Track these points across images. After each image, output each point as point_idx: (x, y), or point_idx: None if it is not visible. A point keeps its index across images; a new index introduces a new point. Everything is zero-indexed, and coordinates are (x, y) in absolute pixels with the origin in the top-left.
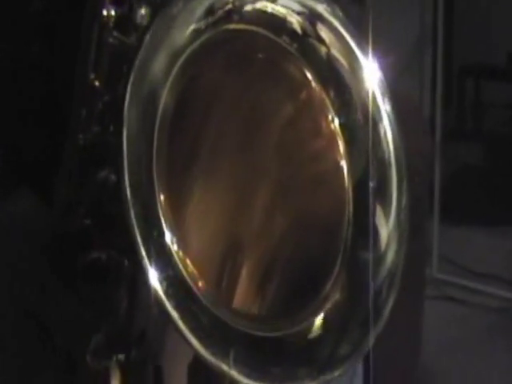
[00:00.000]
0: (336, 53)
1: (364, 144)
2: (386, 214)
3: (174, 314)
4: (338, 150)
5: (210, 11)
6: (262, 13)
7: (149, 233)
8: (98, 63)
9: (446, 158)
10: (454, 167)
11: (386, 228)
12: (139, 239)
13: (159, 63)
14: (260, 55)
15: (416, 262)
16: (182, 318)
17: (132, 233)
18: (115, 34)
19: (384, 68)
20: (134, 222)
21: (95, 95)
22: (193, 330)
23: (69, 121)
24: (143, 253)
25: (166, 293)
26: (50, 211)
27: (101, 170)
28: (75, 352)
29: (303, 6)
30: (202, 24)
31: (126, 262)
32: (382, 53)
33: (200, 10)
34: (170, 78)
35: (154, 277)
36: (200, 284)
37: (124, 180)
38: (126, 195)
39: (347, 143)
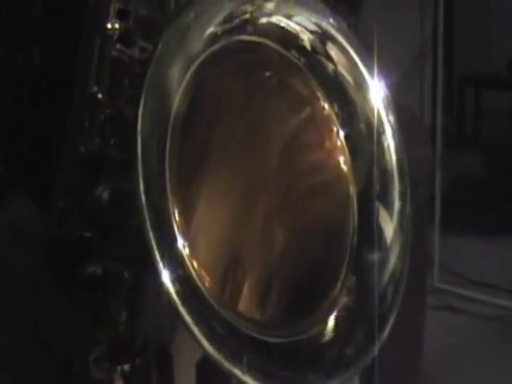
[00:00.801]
0: (342, 70)
1: (367, 155)
2: (390, 220)
3: (188, 319)
4: (343, 161)
5: (228, 18)
6: (276, 27)
7: (162, 238)
8: (100, 76)
9: (446, 168)
10: (455, 177)
11: (389, 232)
12: (154, 244)
13: (174, 68)
14: (269, 67)
15: (418, 271)
16: (196, 322)
17: (147, 238)
18: (118, 46)
19: (388, 84)
20: (148, 227)
21: (97, 107)
22: (205, 335)
23: (69, 132)
24: (158, 258)
25: (180, 297)
26: (48, 221)
27: (100, 181)
28: (76, 363)
29: (317, 25)
30: (219, 29)
31: (126, 273)
32: (383, 63)
33: (219, 16)
34: (184, 83)
35: (167, 280)
36: (210, 290)
37: (138, 186)
38: (141, 201)
39: (351, 154)
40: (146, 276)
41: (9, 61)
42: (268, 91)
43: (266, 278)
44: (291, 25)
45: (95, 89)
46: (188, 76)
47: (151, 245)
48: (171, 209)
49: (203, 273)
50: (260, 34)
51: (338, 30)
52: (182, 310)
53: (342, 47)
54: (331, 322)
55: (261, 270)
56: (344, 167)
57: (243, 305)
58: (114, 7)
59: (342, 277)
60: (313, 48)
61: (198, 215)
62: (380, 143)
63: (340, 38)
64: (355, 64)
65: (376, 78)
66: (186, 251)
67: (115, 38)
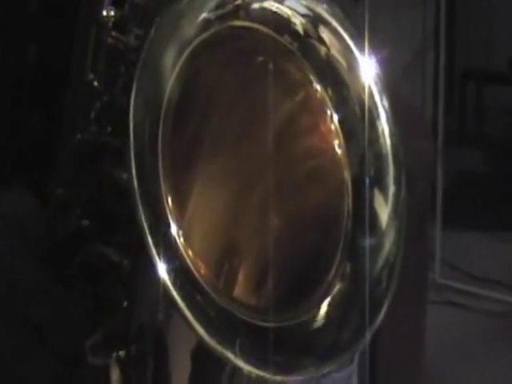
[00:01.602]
0: (335, 53)
1: (362, 139)
2: (384, 204)
3: (182, 304)
4: (337, 145)
5: (220, 4)
6: (268, 12)
7: (156, 225)
8: (96, 63)
9: (447, 163)
10: (456, 172)
11: (383, 217)
12: (147, 229)
13: (167, 54)
14: (262, 53)
15: (419, 266)
16: (189, 307)
17: (140, 223)
18: (114, 34)
19: (382, 64)
20: (141, 212)
21: (94, 95)
22: (199, 320)
23: (65, 120)
24: (151, 243)
25: (174, 284)
26: (45, 210)
27: (98, 169)
28: (72, 350)
29: (309, 9)
30: (212, 15)
31: (125, 261)
32: (383, 57)
33: (212, 2)
34: (177, 68)
35: (162, 268)
36: (205, 276)
37: (131, 171)
38: (133, 186)
39: (346, 138)
40: (143, 264)
41: (6, 53)
42: (261, 77)
43: (261, 265)
44: (283, 9)
45: (91, 76)
46: (181, 62)
47: (144, 231)
48: (164, 196)
49: (198, 260)
50: (252, 20)
51: (332, 14)
52: (175, 295)
53: (335, 31)
54: (326, 306)
55: (256, 256)
56: (338, 151)
57: (238, 291)
58: None
59: (337, 262)
60: (305, 32)
61: (192, 202)
62: (374, 128)
63: (333, 22)
64: (349, 48)
65: (367, 57)
66: (180, 239)
67: (110, 25)
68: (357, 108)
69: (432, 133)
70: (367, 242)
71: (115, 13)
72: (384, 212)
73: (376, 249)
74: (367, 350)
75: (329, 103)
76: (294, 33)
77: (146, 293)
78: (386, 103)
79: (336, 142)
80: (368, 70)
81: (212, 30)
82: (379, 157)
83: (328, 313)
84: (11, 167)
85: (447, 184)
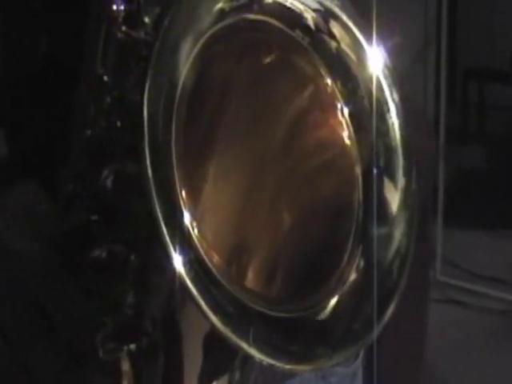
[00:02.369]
0: (345, 47)
1: (372, 131)
2: (395, 196)
3: (197, 295)
4: (348, 138)
5: None
6: (281, 6)
7: (170, 216)
8: (106, 58)
9: (449, 161)
10: (458, 170)
11: (394, 208)
12: (162, 220)
13: (182, 43)
14: (273, 46)
15: (420, 264)
16: (204, 298)
17: (155, 214)
18: (124, 28)
19: (390, 54)
20: (155, 202)
21: (103, 90)
22: (214, 310)
23: (76, 115)
24: (166, 234)
25: (189, 275)
26: (55, 204)
27: (107, 164)
28: (83, 344)
29: (320, 4)
30: (227, 6)
31: (133, 255)
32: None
33: None
34: (191, 59)
35: (177, 260)
36: (218, 266)
37: (145, 161)
38: (148, 176)
39: (356, 131)
40: (154, 257)
41: (15, 48)
42: (273, 71)
43: (273, 255)
44: (295, 4)
45: (101, 71)
46: (195, 51)
47: (159, 222)
48: (178, 186)
49: (211, 251)
50: (265, 13)
51: (341, 8)
52: (190, 286)
53: (345, 25)
54: (338, 296)
55: (268, 247)
56: (349, 143)
57: (251, 281)
58: None
59: (349, 252)
60: (316, 26)
61: (205, 193)
62: (384, 121)
63: (343, 16)
64: (358, 41)
65: (374, 45)
66: (194, 231)
67: (121, 19)
68: (366, 101)
69: (434, 130)
70: (375, 230)
71: (125, 7)
72: (394, 203)
73: (387, 239)
74: (375, 343)
75: (339, 96)
76: (305, 28)
77: (157, 285)
78: (396, 97)
79: (346, 134)
80: (377, 63)
81: (226, 22)
82: (389, 149)
83: (340, 303)
84: (21, 162)
85: (449, 182)
